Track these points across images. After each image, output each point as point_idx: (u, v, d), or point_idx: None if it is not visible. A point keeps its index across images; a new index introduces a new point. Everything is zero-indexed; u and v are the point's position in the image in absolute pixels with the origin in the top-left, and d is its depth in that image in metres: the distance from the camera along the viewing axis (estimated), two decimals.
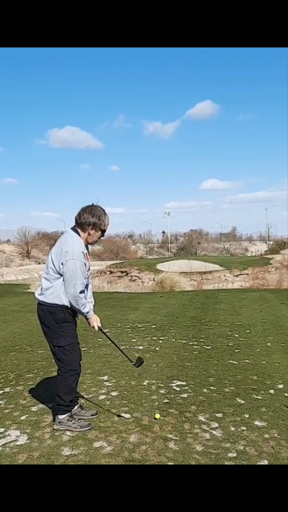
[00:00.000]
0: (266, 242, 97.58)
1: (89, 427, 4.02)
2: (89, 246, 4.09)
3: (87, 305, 4.03)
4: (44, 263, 60.45)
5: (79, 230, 3.94)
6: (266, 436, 3.84)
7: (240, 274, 37.61)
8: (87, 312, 4.04)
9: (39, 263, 61.43)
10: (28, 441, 3.81)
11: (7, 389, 5.18)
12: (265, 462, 3.40)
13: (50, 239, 76.47)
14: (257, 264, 30.47)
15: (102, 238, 4.10)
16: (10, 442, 3.82)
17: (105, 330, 4.43)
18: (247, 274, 31.96)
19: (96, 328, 4.13)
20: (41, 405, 4.62)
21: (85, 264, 3.90)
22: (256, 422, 4.13)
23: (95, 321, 4.12)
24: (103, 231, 4.00)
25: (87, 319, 4.14)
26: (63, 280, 3.86)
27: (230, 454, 3.52)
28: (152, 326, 8.84)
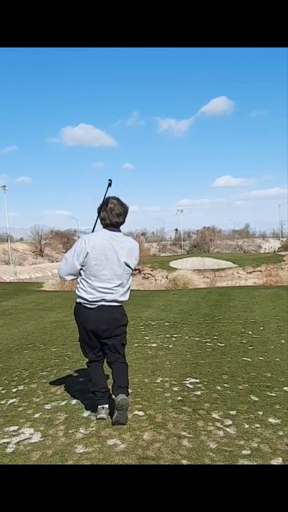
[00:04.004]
0: (279, 239, 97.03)
1: (98, 417, 4.17)
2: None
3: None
4: (57, 261, 60.81)
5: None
6: (280, 433, 3.81)
7: (253, 271, 37.49)
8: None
9: (52, 262, 61.78)
10: (42, 439, 3.82)
11: (20, 387, 5.20)
12: (280, 460, 3.37)
13: (63, 237, 76.83)
14: (270, 261, 30.29)
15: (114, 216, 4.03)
16: (24, 440, 3.83)
17: None
18: (261, 271, 31.77)
19: None
20: (54, 403, 4.64)
21: (80, 253, 3.96)
22: (270, 420, 4.10)
23: None
24: (111, 209, 4.00)
25: None
26: None
27: (244, 452, 3.50)
28: (165, 324, 8.83)
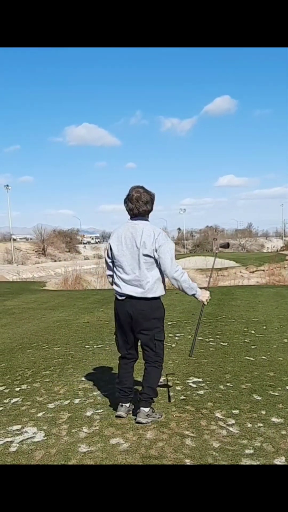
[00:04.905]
0: (282, 238, 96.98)
1: (116, 415, 4.19)
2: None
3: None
4: (60, 260, 60.74)
5: None
6: (283, 432, 3.81)
7: (256, 271, 37.41)
8: None
9: (55, 261, 61.64)
10: (45, 438, 3.83)
11: (24, 386, 5.21)
12: (283, 459, 3.37)
13: (66, 236, 76.78)
14: (273, 260, 30.22)
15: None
16: (27, 439, 3.84)
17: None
18: (263, 270, 31.72)
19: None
20: (57, 402, 4.64)
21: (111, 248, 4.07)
22: (273, 419, 4.10)
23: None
24: (137, 199, 3.99)
25: None
26: None
27: (247, 451, 3.50)
28: (168, 323, 8.81)
